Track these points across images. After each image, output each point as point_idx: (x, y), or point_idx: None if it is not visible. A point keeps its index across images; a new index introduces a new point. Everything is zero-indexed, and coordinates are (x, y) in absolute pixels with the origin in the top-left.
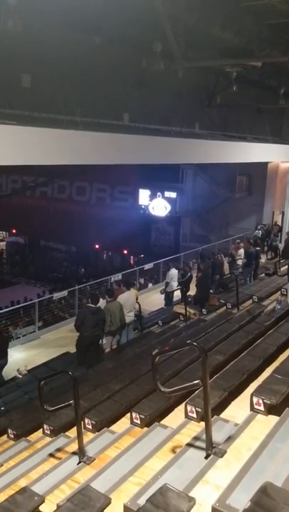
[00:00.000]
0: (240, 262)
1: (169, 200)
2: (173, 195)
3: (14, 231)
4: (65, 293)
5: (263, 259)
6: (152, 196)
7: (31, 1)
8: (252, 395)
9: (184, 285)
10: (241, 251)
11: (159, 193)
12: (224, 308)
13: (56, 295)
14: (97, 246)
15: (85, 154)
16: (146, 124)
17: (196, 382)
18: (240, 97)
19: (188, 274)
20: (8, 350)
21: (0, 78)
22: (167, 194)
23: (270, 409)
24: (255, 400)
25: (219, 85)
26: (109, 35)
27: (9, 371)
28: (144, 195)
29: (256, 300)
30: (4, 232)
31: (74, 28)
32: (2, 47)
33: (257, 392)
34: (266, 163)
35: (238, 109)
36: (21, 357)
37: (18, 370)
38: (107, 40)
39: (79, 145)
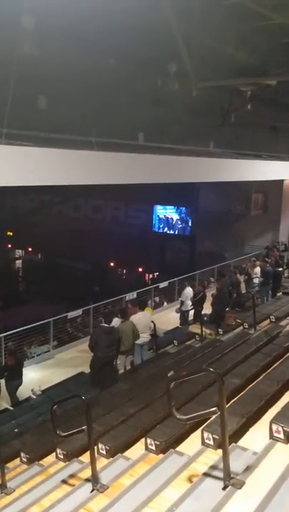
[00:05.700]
0: (256, 281)
1: (183, 217)
2: (188, 212)
3: (30, 249)
4: (79, 312)
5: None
6: (167, 214)
7: (47, 26)
8: (271, 423)
9: (197, 304)
10: (257, 269)
11: (174, 211)
12: (241, 328)
13: (71, 314)
14: (112, 264)
15: (100, 175)
16: (161, 143)
17: (213, 409)
18: (255, 115)
19: (201, 293)
20: (23, 369)
21: (17, 100)
22: (182, 211)
23: None
24: (274, 427)
25: (233, 104)
26: (123, 56)
27: (23, 391)
28: (159, 213)
29: (274, 320)
30: (20, 251)
31: (89, 50)
32: (19, 70)
33: (276, 420)
34: (282, 181)
35: (252, 128)
36: (36, 377)
37: (32, 390)
38: (121, 61)
39: (94, 165)
